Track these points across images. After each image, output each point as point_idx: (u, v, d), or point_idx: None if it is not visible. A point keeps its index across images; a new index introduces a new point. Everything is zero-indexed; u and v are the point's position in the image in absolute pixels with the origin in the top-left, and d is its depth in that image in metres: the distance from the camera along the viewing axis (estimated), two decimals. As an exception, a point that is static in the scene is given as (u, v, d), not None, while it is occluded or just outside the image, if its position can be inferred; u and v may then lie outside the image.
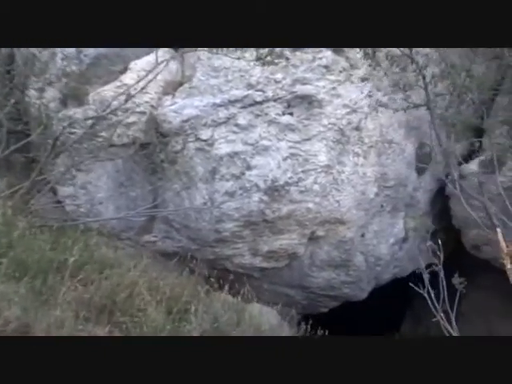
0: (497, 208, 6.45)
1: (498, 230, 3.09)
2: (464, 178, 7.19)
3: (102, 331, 3.21)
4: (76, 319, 3.57)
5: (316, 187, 6.23)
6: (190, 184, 6.20)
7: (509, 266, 2.99)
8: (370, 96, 6.31)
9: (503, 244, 3.03)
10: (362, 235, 6.99)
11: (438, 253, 5.64)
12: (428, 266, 8.13)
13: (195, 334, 3.00)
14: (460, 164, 7.39)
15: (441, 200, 7.67)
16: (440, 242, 5.95)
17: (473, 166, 7.09)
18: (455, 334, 3.16)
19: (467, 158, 7.32)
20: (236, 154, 6.07)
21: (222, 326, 3.19)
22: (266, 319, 5.53)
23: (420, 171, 7.40)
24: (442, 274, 3.79)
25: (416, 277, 8.49)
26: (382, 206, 7.03)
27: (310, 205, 6.30)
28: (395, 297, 9.30)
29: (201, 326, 3.11)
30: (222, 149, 6.07)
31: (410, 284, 3.79)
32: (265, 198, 6.11)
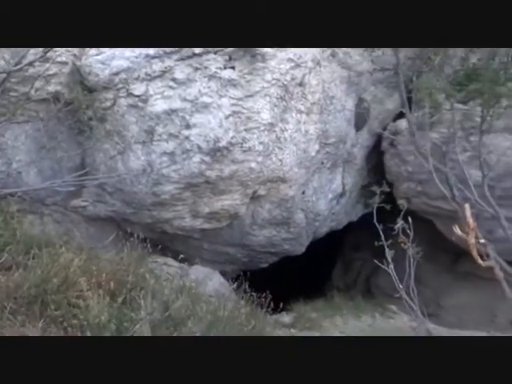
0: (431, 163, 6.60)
1: (467, 205, 3.04)
2: (398, 133, 7.23)
3: (35, 328, 2.74)
4: (1, 313, 3.04)
5: (259, 146, 5.87)
6: (124, 145, 5.54)
7: (472, 241, 2.95)
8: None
9: (470, 220, 2.98)
10: (303, 192, 6.84)
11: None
12: (361, 217, 8.36)
13: (145, 325, 2.65)
14: (395, 120, 7.41)
15: (376, 155, 7.72)
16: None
17: (407, 122, 7.12)
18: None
19: (402, 114, 7.34)
20: (174, 111, 5.43)
21: (175, 313, 2.87)
22: (211, 284, 5.30)
23: (358, 127, 7.31)
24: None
25: (348, 227, 8.73)
26: (322, 163, 6.85)
27: (253, 164, 5.94)
28: (328, 247, 9.56)
29: (151, 315, 2.76)
30: (158, 106, 5.40)
31: (375, 261, 3.67)
32: (206, 158, 5.62)
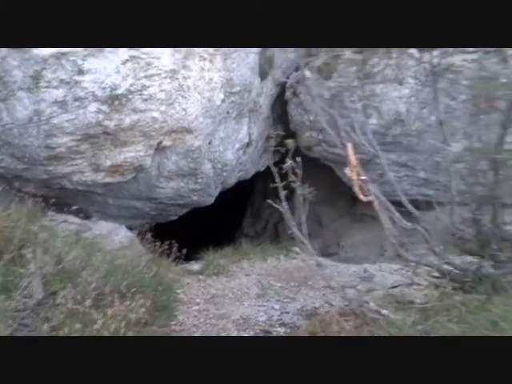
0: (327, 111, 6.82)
1: (349, 144, 3.17)
2: (301, 82, 7.33)
3: None
4: None
5: (161, 94, 5.57)
6: (7, 91, 4.91)
7: (354, 177, 3.12)
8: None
9: (352, 158, 3.13)
10: (210, 143, 6.73)
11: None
12: (267, 168, 8.52)
13: (35, 279, 2.42)
14: (297, 70, 7.48)
15: (280, 105, 7.78)
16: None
17: (308, 71, 7.23)
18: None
19: (305, 64, 7.41)
20: (63, 55, 4.89)
21: (69, 265, 2.67)
22: (117, 239, 5.08)
23: (262, 76, 7.26)
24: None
25: (257, 176, 8.86)
26: (228, 112, 6.75)
27: (156, 114, 5.64)
28: (238, 197, 9.67)
29: (41, 269, 2.54)
30: (45, 48, 4.84)
31: (268, 201, 3.73)
32: (103, 107, 5.20)
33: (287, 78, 7.30)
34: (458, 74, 6.07)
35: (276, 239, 9.55)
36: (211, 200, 7.36)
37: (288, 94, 7.35)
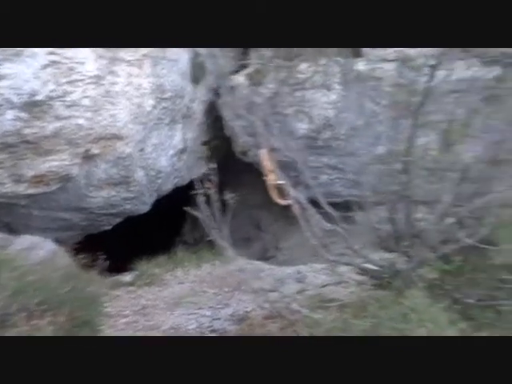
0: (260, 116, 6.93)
1: (263, 151, 3.23)
2: (233, 88, 7.37)
3: None
4: None
5: (85, 101, 5.37)
6: None
7: (271, 183, 3.19)
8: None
9: (266, 163, 3.19)
10: (141, 150, 6.57)
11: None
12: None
13: None
14: (231, 75, 7.51)
15: (215, 110, 7.77)
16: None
17: (241, 77, 7.30)
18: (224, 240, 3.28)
19: (238, 69, 7.48)
20: (-26, 59, 4.59)
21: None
22: (41, 253, 4.80)
23: (195, 82, 7.22)
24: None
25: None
26: (160, 118, 6.65)
27: (81, 121, 5.42)
28: (177, 204, 9.51)
29: None
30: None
31: (186, 208, 3.70)
32: (22, 114, 4.92)
33: (220, 83, 7.32)
34: (379, 80, 6.38)
35: (216, 245, 9.49)
36: (146, 208, 7.18)
37: (221, 99, 7.36)
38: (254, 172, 7.97)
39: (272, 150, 3.26)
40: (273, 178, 3.07)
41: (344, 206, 4.37)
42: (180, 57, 6.42)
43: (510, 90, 4.79)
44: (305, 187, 4.03)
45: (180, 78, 6.56)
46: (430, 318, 2.36)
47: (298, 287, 4.80)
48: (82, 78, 5.17)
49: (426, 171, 3.10)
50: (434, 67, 3.03)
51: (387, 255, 3.28)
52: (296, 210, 3.09)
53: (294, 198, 3.09)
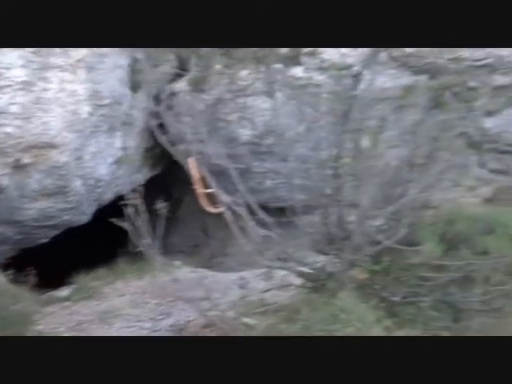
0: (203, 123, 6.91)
1: (190, 159, 3.22)
2: (175, 95, 7.29)
3: None
4: None
5: (14, 108, 5.09)
6: None
7: (200, 191, 3.17)
8: None
9: (194, 172, 3.18)
10: (79, 158, 6.33)
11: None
12: (149, 179, 8.30)
13: None
14: (172, 82, 7.43)
15: (156, 117, 7.63)
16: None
17: (182, 83, 7.23)
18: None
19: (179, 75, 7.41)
20: None
21: None
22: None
23: (134, 88, 7.07)
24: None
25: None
26: (97, 126, 6.44)
27: (9, 129, 5.14)
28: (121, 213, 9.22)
29: None
30: None
31: (112, 220, 3.60)
32: None
33: (161, 90, 7.22)
34: (318, 87, 6.55)
35: (163, 253, 9.31)
36: (86, 218, 6.91)
37: (163, 106, 7.26)
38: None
39: (202, 157, 3.25)
40: (201, 187, 3.05)
41: (290, 211, 4.41)
42: (118, 63, 6.26)
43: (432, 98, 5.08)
44: (241, 194, 4.05)
45: (118, 85, 6.40)
46: (357, 318, 2.43)
47: (240, 293, 4.80)
48: (9, 83, 4.91)
49: (352, 176, 3.21)
50: (358, 75, 3.15)
51: (321, 258, 3.36)
52: (228, 217, 3.08)
53: (227, 205, 3.08)
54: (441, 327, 2.50)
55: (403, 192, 2.96)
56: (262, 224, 3.35)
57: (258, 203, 7.18)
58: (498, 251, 2.68)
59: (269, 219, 3.41)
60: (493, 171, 6.61)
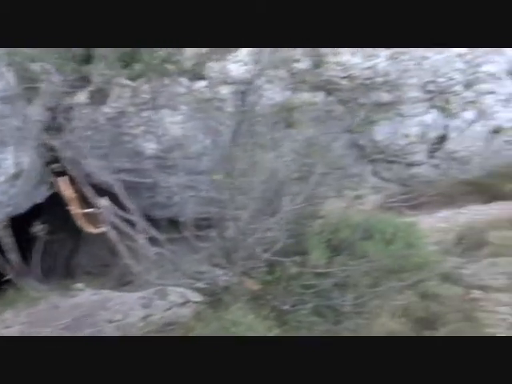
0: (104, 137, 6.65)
1: (60, 179, 3.08)
2: (72, 108, 6.93)
3: None
4: None
5: None
6: None
7: (77, 211, 3.04)
8: None
9: (67, 192, 3.05)
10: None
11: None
12: (49, 197, 7.76)
13: None
14: (70, 94, 7.05)
15: (53, 131, 7.19)
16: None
17: (81, 96, 6.91)
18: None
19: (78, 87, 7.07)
20: None
21: None
22: None
23: (28, 100, 6.61)
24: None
25: (40, 208, 7.96)
26: (-17, 141, 5.90)
27: None
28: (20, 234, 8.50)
29: None
30: None
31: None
32: None
33: (58, 102, 6.84)
34: (222, 101, 6.66)
35: (69, 275, 8.75)
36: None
37: (60, 119, 6.88)
38: (102, 192, 7.59)
39: (94, 173, 3.12)
40: (76, 207, 2.92)
41: (188, 225, 4.36)
42: (4, 73, 5.83)
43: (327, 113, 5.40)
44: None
45: (7, 96, 5.94)
46: (246, 329, 2.47)
47: (143, 313, 4.64)
48: None
49: (238, 189, 3.29)
50: (254, 90, 3.25)
51: (217, 272, 3.37)
52: (113, 237, 2.98)
53: (111, 224, 2.98)
54: (323, 331, 2.63)
55: (287, 203, 3.08)
56: (154, 241, 3.29)
57: (168, 218, 7.07)
58: (374, 256, 2.90)
59: (160, 236, 3.35)
60: (384, 179, 7.19)
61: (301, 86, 6.24)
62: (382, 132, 7.08)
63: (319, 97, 6.57)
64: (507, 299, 3.14)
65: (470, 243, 4.26)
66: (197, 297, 3.39)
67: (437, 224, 5.62)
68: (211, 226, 4.97)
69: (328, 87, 6.73)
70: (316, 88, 6.71)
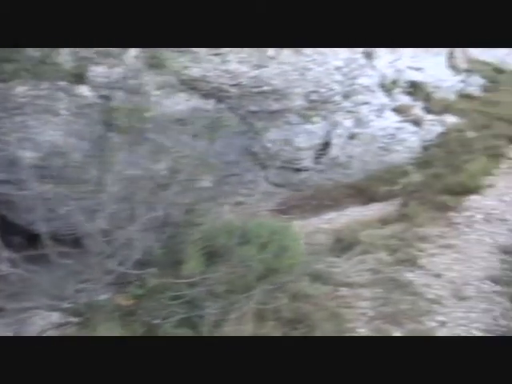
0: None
1: None
2: None
3: None
4: None
5: None
6: None
7: None
8: None
9: None
10: None
11: None
12: None
13: None
14: None
15: None
16: None
17: None
18: None
19: None
20: None
21: None
22: None
23: None
24: None
25: None
26: None
27: None
28: None
29: None
30: None
31: None
32: None
33: None
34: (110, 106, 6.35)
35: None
36: None
37: None
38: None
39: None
40: None
41: (60, 240, 4.06)
42: None
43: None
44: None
45: None
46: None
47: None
48: None
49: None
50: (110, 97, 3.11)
51: (84, 289, 3.16)
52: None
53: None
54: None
55: (149, 212, 3.01)
56: (11, 261, 2.98)
57: (51, 233, 6.50)
58: (248, 260, 2.95)
59: (13, 255, 3.03)
60: (275, 185, 7.45)
61: (192, 92, 6.22)
62: (272, 139, 7.33)
63: (210, 104, 6.60)
64: (368, 294, 3.40)
65: (345, 243, 4.56)
66: (63, 318, 3.15)
67: (321, 225, 5.93)
68: (77, 240, 4.68)
69: (219, 94, 6.80)
70: (207, 95, 6.74)
